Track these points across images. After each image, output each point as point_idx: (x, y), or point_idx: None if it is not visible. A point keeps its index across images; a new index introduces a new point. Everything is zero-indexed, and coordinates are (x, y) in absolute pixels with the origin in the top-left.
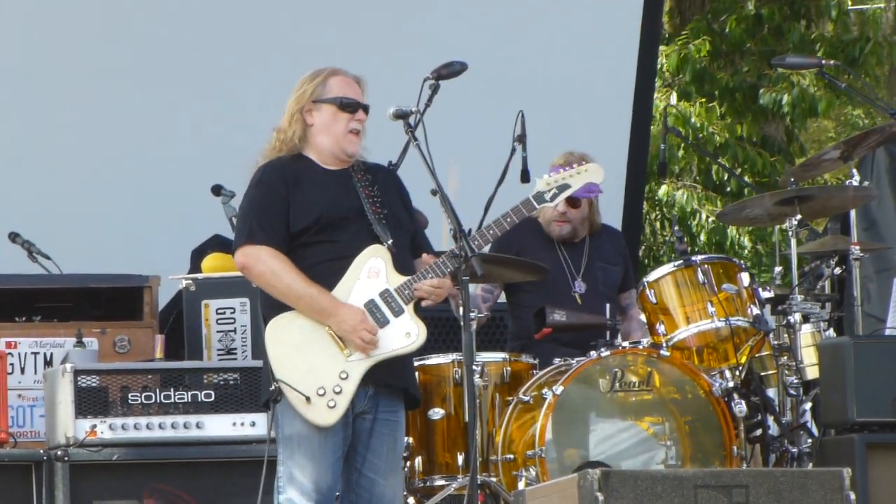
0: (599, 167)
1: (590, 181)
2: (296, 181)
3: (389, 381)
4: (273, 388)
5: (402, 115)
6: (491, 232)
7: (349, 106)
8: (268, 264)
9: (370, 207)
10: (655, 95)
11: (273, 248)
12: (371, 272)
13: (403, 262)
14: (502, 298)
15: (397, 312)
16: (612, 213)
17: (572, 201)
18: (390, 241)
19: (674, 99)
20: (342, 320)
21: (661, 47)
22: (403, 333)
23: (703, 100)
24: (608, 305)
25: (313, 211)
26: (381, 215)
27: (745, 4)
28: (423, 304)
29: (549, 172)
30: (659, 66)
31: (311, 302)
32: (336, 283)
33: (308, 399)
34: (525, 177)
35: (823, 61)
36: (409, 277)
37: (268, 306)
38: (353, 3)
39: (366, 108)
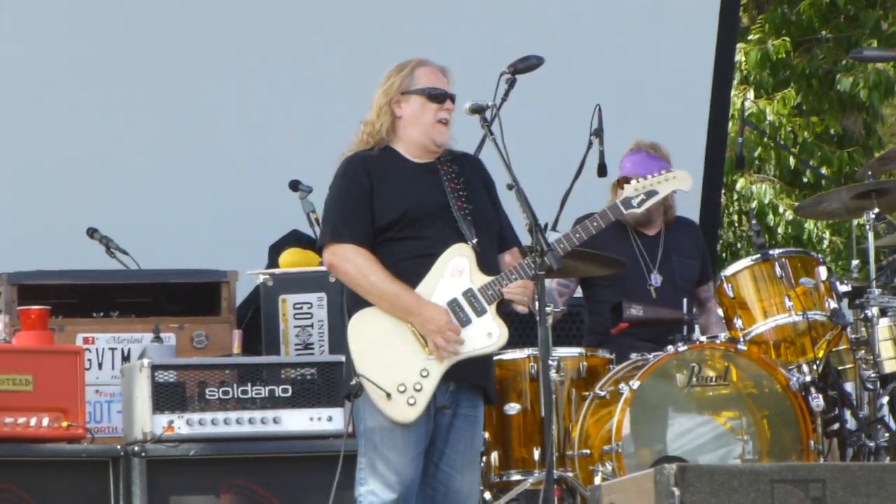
0: (688, 175)
1: (677, 188)
2: (381, 174)
3: (470, 379)
4: (354, 382)
5: (478, 110)
6: (577, 236)
7: (437, 96)
8: (353, 263)
9: (455, 203)
10: (733, 92)
11: (358, 245)
12: (455, 271)
13: (488, 260)
14: (579, 293)
15: (480, 312)
16: (690, 207)
17: None
18: (475, 241)
19: (751, 95)
20: (427, 319)
21: (739, 44)
22: (485, 333)
23: (781, 95)
24: (685, 300)
25: (399, 206)
26: (466, 211)
27: None
28: (519, 309)
29: (621, 162)
30: (738, 65)
31: (396, 300)
32: (420, 280)
33: (388, 395)
34: (602, 171)
35: None
36: (493, 278)
37: (353, 301)
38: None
39: (453, 98)
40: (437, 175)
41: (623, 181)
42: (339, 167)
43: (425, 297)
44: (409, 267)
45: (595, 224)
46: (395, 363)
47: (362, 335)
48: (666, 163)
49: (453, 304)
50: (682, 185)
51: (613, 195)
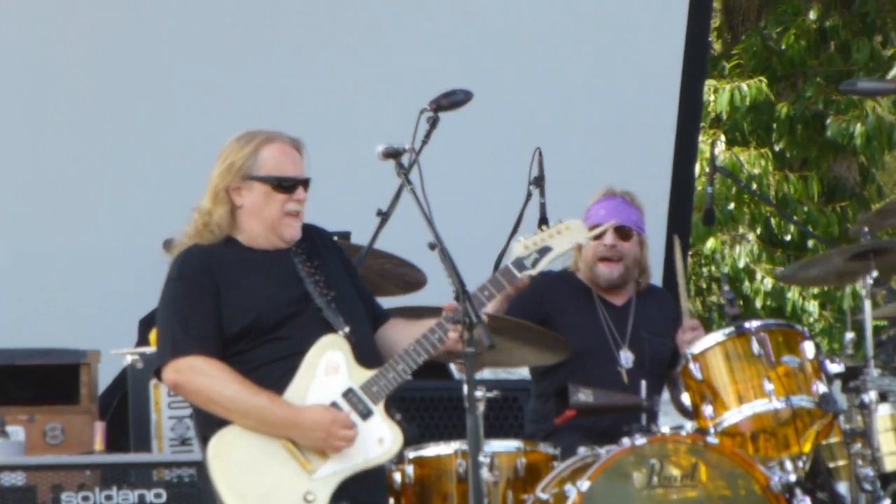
0: (581, 224)
1: (574, 241)
2: (223, 274)
3: (364, 496)
4: None
5: (393, 154)
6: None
7: (286, 186)
8: (205, 376)
9: (316, 290)
10: (701, 137)
11: (206, 355)
12: (329, 368)
13: (365, 350)
14: (523, 373)
15: (365, 415)
16: (651, 270)
17: (622, 232)
18: (347, 329)
19: (722, 142)
20: (309, 427)
21: (710, 81)
22: (376, 440)
23: (762, 147)
24: (644, 382)
25: (250, 311)
26: (329, 297)
27: (806, 16)
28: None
29: (589, 210)
30: (706, 105)
31: (263, 414)
32: (287, 385)
33: None
34: (543, 225)
35: None
36: (376, 372)
37: (207, 423)
38: (344, 28)
39: (306, 184)
40: (290, 262)
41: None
42: (171, 267)
43: (298, 404)
44: (272, 372)
45: (486, 293)
46: (273, 489)
47: (228, 460)
48: (641, 215)
49: None
50: (577, 237)
51: (578, 251)
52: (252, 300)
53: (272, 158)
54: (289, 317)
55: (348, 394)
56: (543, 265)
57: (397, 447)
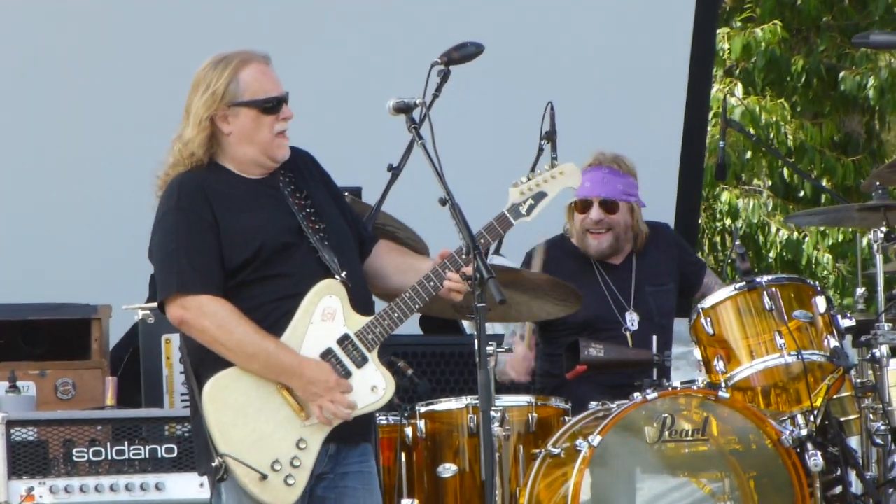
0: (576, 168)
1: (567, 185)
2: (221, 202)
3: (353, 438)
4: (217, 463)
5: (403, 109)
6: (463, 258)
7: (273, 107)
8: (213, 317)
9: (308, 224)
10: (716, 87)
11: (213, 294)
12: (325, 314)
13: (359, 294)
14: None
15: (360, 363)
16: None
17: (607, 205)
18: (343, 274)
19: (739, 91)
20: (310, 380)
21: (723, 29)
22: (369, 388)
23: (777, 98)
24: (655, 337)
25: (253, 239)
26: (321, 234)
27: None
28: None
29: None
30: (720, 53)
31: (269, 360)
32: (285, 328)
33: (263, 476)
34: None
35: None
36: (372, 319)
37: (202, 362)
38: None
39: (287, 100)
40: (279, 191)
41: (580, 205)
42: (167, 196)
43: (293, 349)
44: (270, 313)
45: (483, 240)
46: (265, 435)
47: (223, 404)
48: (632, 179)
49: (329, 356)
50: (570, 181)
51: (570, 219)
52: (253, 231)
53: (254, 81)
54: (286, 246)
55: (343, 341)
56: (538, 211)
57: (390, 395)
